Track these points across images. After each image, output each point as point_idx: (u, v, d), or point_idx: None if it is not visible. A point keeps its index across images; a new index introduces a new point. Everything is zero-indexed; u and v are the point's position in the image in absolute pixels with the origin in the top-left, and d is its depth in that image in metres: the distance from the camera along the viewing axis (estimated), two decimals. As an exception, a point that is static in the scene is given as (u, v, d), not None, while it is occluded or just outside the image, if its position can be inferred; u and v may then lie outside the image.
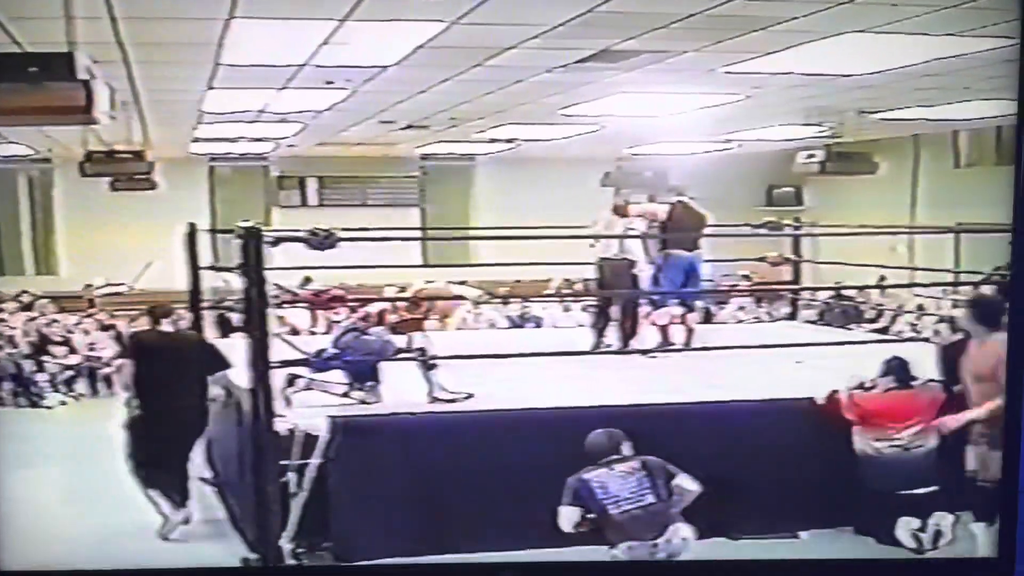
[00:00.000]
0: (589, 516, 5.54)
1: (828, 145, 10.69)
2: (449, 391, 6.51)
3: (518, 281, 10.29)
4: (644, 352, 7.82)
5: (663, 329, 8.17)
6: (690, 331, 8.23)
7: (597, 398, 6.30)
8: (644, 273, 8.01)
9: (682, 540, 5.55)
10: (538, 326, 10.47)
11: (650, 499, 5.49)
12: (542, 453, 5.80)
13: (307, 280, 8.26)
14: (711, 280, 9.52)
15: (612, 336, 8.14)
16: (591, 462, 5.57)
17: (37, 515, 6.47)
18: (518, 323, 10.45)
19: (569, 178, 12.07)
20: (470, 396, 6.51)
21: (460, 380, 6.60)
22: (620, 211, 8.02)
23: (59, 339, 11.07)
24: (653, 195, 8.26)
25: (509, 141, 12.08)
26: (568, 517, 5.55)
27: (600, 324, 8.24)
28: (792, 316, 9.83)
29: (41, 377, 10.77)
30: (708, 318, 10.79)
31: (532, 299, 10.22)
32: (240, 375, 6.13)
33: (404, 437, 5.91)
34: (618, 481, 5.49)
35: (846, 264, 9.02)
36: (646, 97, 9.03)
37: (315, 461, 5.74)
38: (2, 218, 12.18)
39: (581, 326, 10.49)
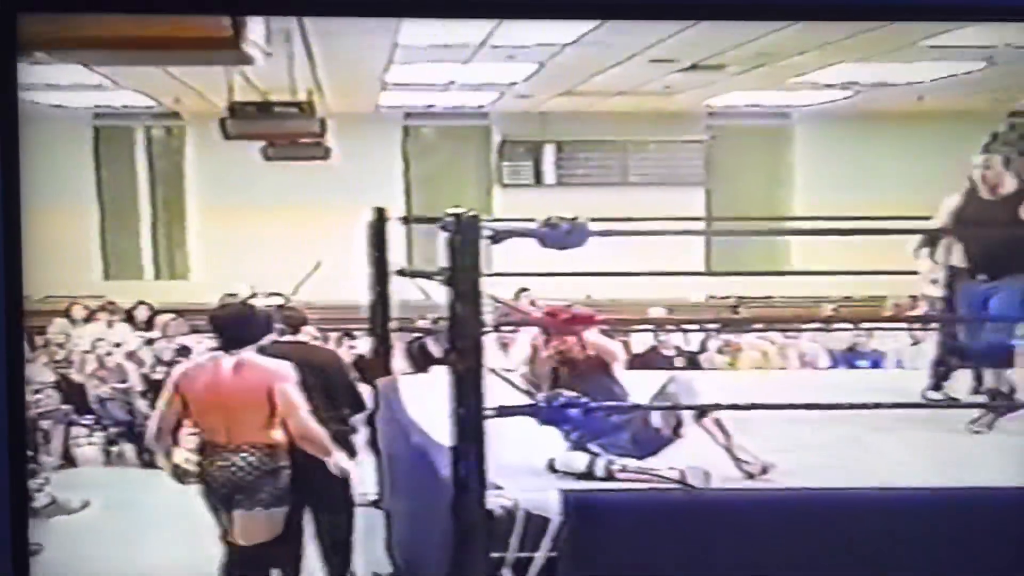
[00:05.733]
0: None
1: None
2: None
3: (847, 298, 10.32)
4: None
5: None
6: None
7: (953, 475, 6.17)
8: None
9: None
10: (876, 365, 10.48)
11: None
12: (878, 552, 5.79)
13: (522, 291, 8.53)
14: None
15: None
16: None
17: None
18: (847, 360, 10.50)
19: (934, 143, 12.00)
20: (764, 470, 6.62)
21: (759, 443, 6.73)
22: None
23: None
24: None
25: (844, 87, 12.14)
26: None
27: (945, 364, 8.14)
28: None
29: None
30: None
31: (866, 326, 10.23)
32: (437, 426, 6.44)
33: (672, 522, 6.10)
34: None
35: None
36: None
37: (542, 554, 5.99)
38: (112, 198, 12.94)
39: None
